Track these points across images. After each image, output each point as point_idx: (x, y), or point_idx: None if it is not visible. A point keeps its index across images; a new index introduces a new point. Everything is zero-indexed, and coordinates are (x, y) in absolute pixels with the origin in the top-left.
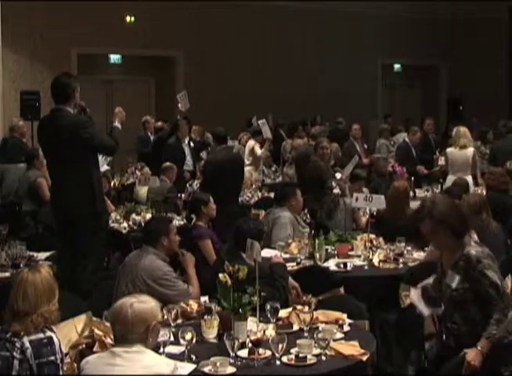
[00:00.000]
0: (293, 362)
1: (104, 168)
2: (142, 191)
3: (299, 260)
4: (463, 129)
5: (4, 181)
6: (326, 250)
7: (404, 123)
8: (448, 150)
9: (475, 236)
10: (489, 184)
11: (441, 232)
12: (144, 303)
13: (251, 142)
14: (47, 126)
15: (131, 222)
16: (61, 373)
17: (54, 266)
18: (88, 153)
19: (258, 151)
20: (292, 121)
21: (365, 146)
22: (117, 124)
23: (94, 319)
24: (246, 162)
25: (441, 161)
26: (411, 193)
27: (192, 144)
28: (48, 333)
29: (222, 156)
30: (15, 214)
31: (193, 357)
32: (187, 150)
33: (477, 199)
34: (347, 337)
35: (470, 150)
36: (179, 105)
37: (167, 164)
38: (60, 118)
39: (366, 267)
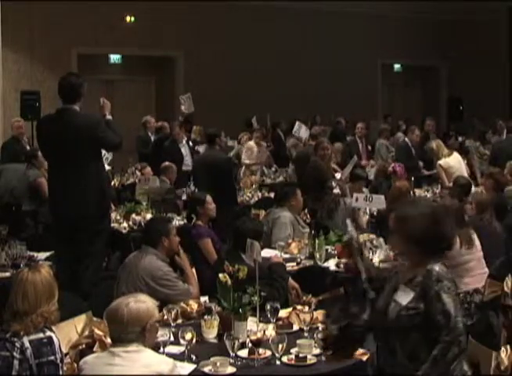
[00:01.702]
0: (293, 362)
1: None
2: (145, 191)
3: (299, 260)
4: (439, 141)
5: (0, 181)
6: (326, 250)
7: (404, 122)
8: (441, 162)
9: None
10: (487, 184)
11: (399, 234)
12: (140, 303)
13: (250, 143)
14: (56, 125)
15: (131, 222)
16: (61, 373)
17: (54, 266)
18: (99, 152)
19: (254, 149)
20: (292, 120)
21: (369, 148)
22: (109, 116)
23: (94, 319)
24: (246, 162)
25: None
26: (411, 193)
27: (190, 144)
28: (48, 333)
29: (206, 155)
30: (13, 214)
31: (193, 357)
32: (184, 151)
33: (484, 198)
34: None
35: (457, 154)
36: (182, 107)
37: (167, 163)
38: (72, 117)
39: None
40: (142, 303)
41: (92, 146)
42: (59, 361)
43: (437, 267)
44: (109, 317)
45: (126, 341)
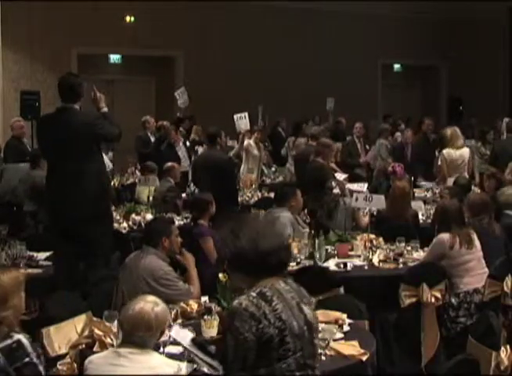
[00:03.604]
0: None
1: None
2: (145, 191)
3: (299, 260)
4: (458, 130)
5: (1, 180)
6: (326, 250)
7: (405, 123)
8: (445, 151)
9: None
10: (489, 185)
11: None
12: (158, 305)
13: (248, 142)
14: (56, 125)
15: (131, 222)
16: (41, 368)
17: (54, 266)
18: (99, 151)
19: (254, 151)
20: (296, 120)
21: (367, 147)
22: (105, 108)
23: (94, 319)
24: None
25: (439, 162)
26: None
27: (188, 144)
28: (16, 336)
29: (206, 155)
30: (14, 214)
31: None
32: (181, 153)
33: (477, 200)
34: (347, 337)
35: (467, 150)
36: (178, 102)
37: (169, 164)
38: (71, 116)
39: (366, 267)
40: (161, 306)
41: (92, 144)
42: (35, 359)
43: (236, 301)
44: (133, 324)
45: (149, 346)
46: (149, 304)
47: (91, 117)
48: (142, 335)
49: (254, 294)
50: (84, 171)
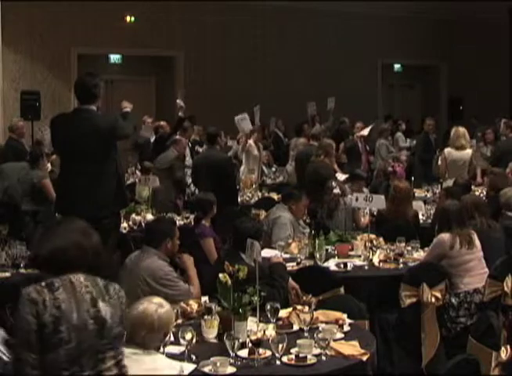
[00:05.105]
0: (293, 362)
1: None
2: (145, 191)
3: (299, 260)
4: (463, 130)
5: None
6: (326, 250)
7: (406, 123)
8: (446, 150)
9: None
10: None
11: None
12: (163, 307)
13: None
14: (74, 126)
15: (131, 222)
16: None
17: None
18: (115, 151)
19: (254, 151)
20: (295, 120)
21: (367, 148)
22: (127, 109)
23: None
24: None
25: (439, 161)
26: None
27: (190, 144)
28: None
29: (206, 155)
30: (11, 213)
31: (193, 357)
32: (185, 151)
33: (468, 202)
34: (348, 337)
35: (469, 152)
36: (177, 100)
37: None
38: (91, 119)
39: (366, 267)
40: (165, 307)
41: (111, 145)
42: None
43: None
44: (137, 324)
45: (150, 347)
46: (153, 305)
47: (110, 119)
48: (143, 336)
49: (43, 283)
50: (103, 172)
